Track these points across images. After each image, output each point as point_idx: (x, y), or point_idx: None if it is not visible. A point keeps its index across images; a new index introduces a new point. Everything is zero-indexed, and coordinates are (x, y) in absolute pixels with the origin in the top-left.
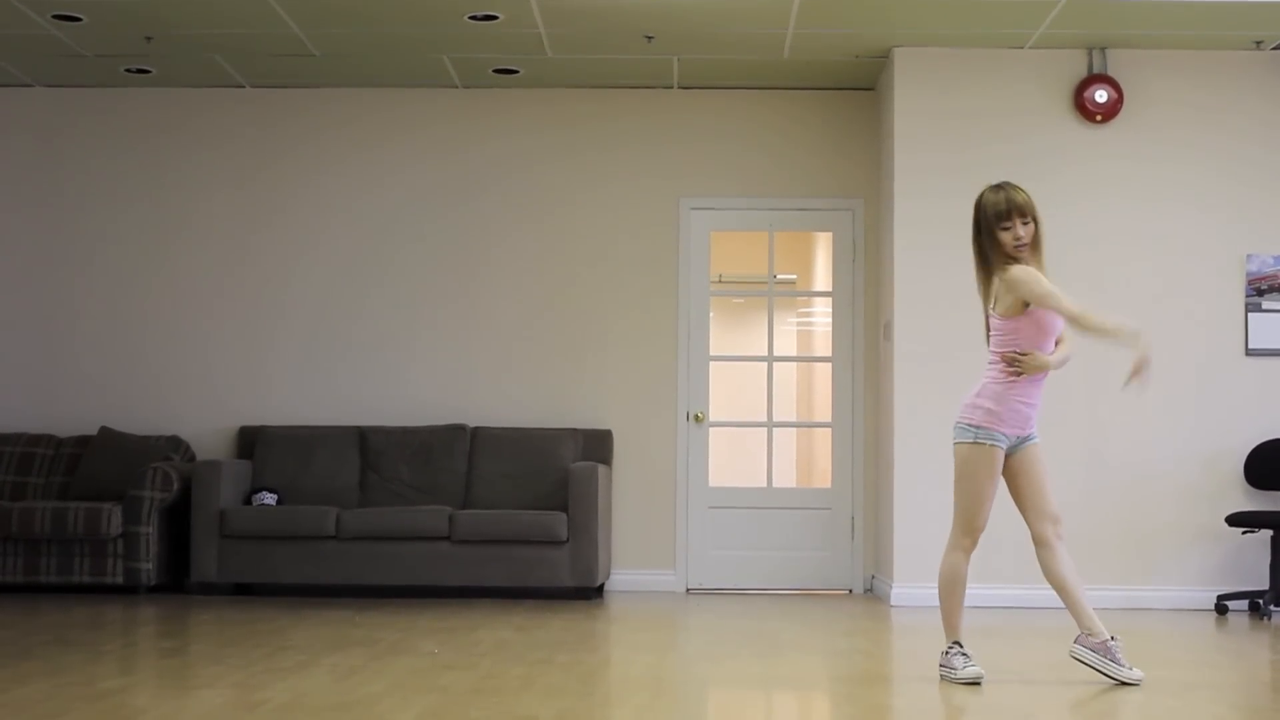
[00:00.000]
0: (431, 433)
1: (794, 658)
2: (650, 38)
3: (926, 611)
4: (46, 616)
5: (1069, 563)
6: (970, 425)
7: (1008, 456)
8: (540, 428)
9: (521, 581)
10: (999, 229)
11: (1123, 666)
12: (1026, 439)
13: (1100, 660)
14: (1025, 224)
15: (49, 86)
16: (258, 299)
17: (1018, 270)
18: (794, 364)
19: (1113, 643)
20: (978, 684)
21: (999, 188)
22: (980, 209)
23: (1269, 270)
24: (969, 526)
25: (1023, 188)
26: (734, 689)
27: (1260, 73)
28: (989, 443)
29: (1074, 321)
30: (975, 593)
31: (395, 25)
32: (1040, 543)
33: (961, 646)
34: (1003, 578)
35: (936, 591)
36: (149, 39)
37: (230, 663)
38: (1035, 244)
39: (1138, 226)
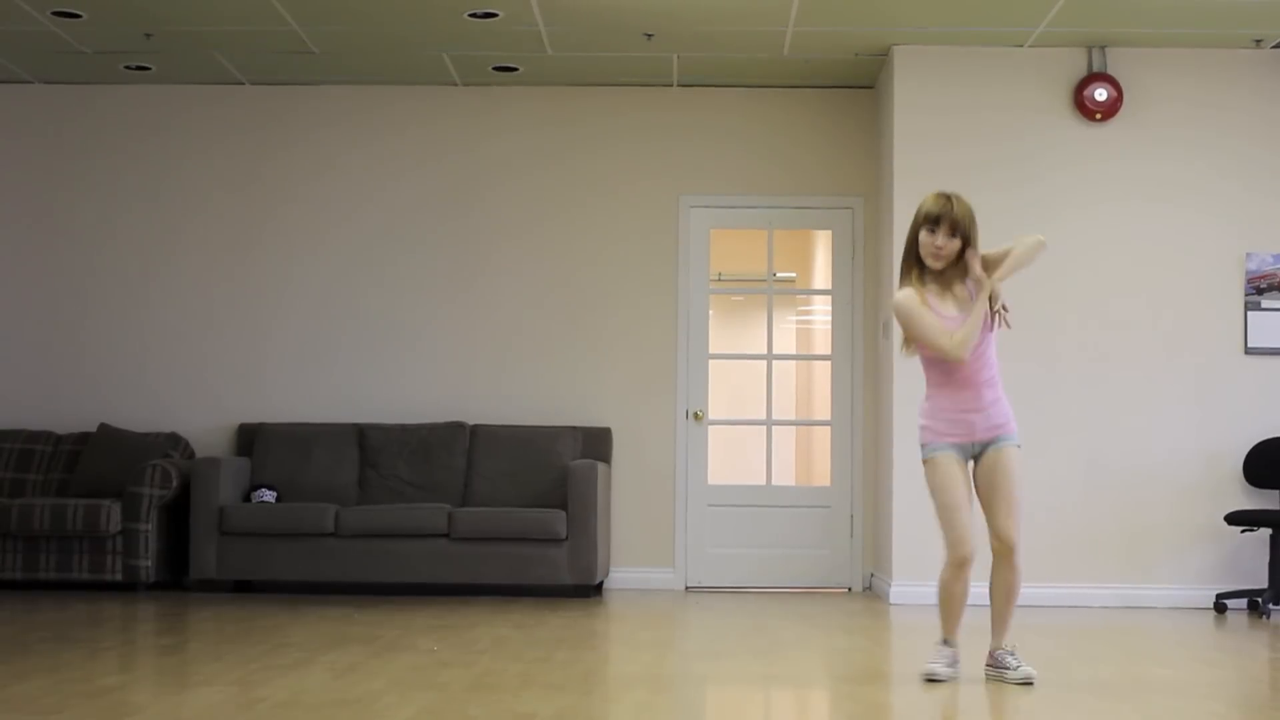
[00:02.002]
0: (431, 430)
1: (793, 656)
2: (650, 35)
3: (926, 609)
4: (45, 613)
5: (1000, 585)
6: (921, 444)
7: (977, 461)
8: (539, 425)
9: (520, 579)
10: (924, 227)
11: (1009, 669)
12: (992, 443)
13: (996, 671)
14: (952, 238)
15: (48, 83)
16: (257, 296)
17: (897, 300)
18: (793, 362)
19: (999, 652)
20: (934, 681)
21: (943, 195)
22: (918, 210)
23: (1268, 269)
24: (950, 540)
25: (967, 206)
26: (733, 687)
27: (1260, 71)
28: (934, 455)
29: (950, 351)
30: (976, 590)
31: (395, 23)
32: (993, 553)
33: (948, 644)
34: None
35: (930, 590)
36: (149, 36)
37: (229, 660)
38: (956, 263)
39: (1137, 225)
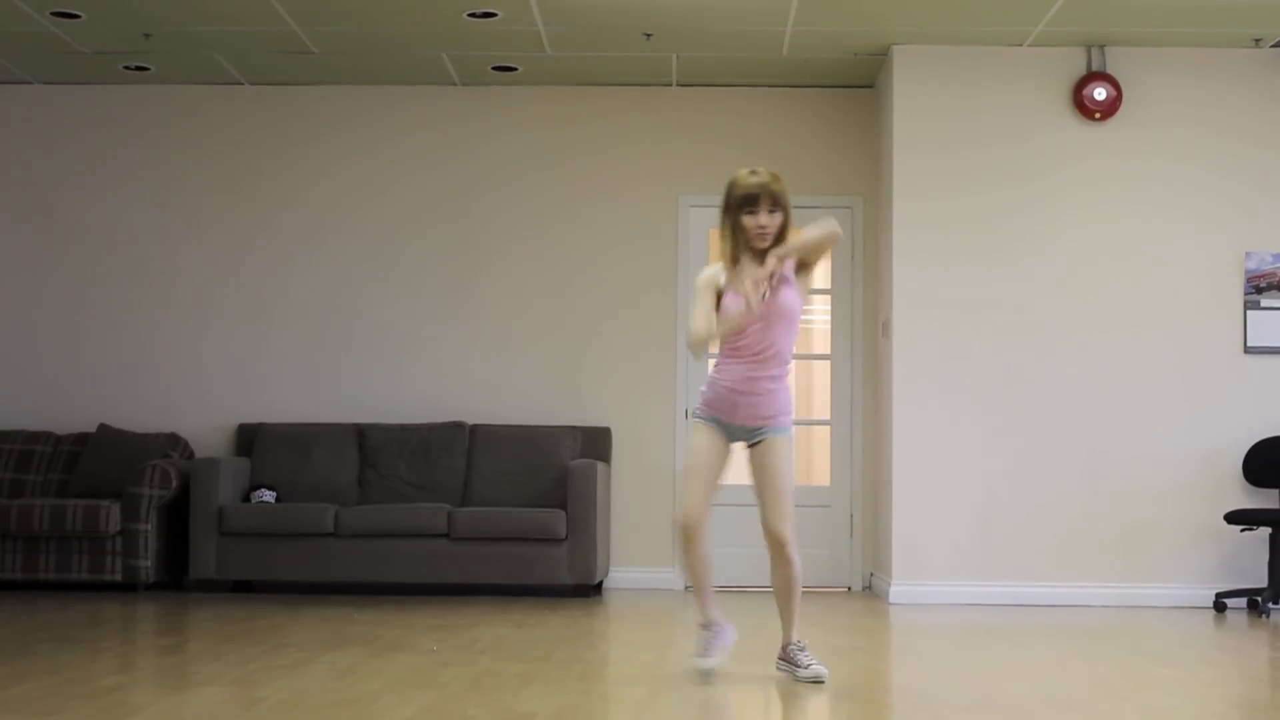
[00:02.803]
0: (430, 430)
1: None
2: (649, 35)
3: (926, 609)
4: (45, 614)
5: (779, 581)
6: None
7: (750, 449)
8: (539, 425)
9: (520, 579)
10: (743, 211)
11: (800, 667)
12: (759, 433)
13: (787, 667)
14: (772, 213)
15: (47, 84)
16: (256, 296)
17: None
18: (792, 362)
19: (791, 647)
20: (707, 672)
21: (754, 171)
22: (729, 188)
23: (1268, 268)
24: (682, 504)
25: (780, 176)
26: (732, 687)
27: (1259, 70)
28: (694, 421)
29: (689, 343)
30: (977, 590)
31: (394, 23)
32: (768, 548)
33: (706, 628)
34: (1005, 575)
35: (930, 590)
36: (148, 36)
37: (229, 660)
38: (782, 238)
39: (1136, 224)
